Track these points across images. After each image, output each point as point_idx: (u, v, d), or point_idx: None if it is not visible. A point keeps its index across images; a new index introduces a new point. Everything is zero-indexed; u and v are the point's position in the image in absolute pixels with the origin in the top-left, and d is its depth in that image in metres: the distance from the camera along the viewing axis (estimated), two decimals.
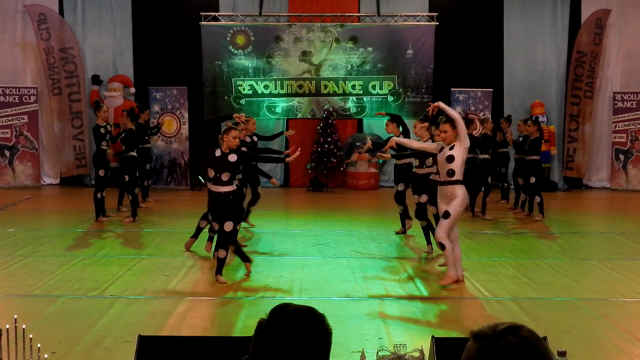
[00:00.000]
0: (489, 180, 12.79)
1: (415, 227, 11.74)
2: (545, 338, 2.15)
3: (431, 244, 9.65)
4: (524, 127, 13.02)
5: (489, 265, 9.09)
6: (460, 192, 7.76)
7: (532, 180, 12.33)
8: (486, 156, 12.82)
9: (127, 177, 11.92)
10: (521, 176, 13.19)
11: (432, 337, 4.12)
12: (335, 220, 11.43)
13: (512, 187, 13.91)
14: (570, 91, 16.90)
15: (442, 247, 7.84)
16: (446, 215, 7.75)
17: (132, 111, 12.28)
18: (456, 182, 7.78)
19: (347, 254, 9.75)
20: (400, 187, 10.57)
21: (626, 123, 16.82)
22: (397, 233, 11.04)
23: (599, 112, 17.10)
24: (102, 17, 17.00)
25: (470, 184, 13.32)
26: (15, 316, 4.62)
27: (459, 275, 7.93)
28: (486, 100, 16.76)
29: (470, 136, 13.27)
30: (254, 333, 1.94)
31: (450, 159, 7.76)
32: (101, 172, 11.85)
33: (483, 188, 12.78)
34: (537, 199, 12.36)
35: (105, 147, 11.96)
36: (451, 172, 7.78)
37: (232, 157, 8.05)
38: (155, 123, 15.87)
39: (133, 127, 12.06)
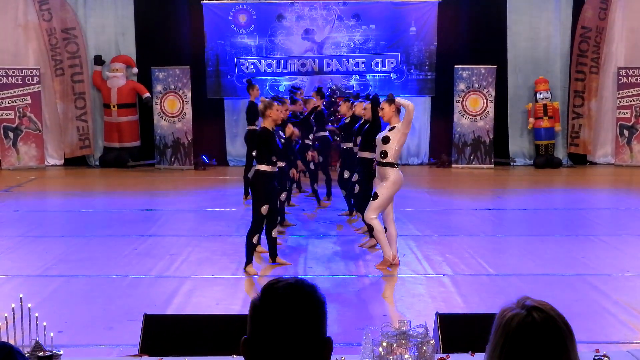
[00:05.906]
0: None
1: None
2: None
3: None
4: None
5: (493, 242, 9.10)
6: (392, 174, 7.63)
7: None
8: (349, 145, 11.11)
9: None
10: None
11: (436, 313, 4.15)
12: (338, 198, 11.43)
13: None
14: (574, 67, 16.79)
15: (369, 228, 7.72)
16: (374, 196, 7.70)
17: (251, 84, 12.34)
18: (389, 164, 7.65)
19: (351, 232, 9.76)
20: (346, 175, 10.25)
21: (631, 99, 16.72)
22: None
23: (604, 87, 17.00)
24: None
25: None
26: (21, 295, 4.64)
27: (394, 257, 7.74)
28: (490, 77, 16.67)
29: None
30: (249, 314, 1.95)
31: (386, 140, 7.63)
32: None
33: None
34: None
35: (256, 127, 11.50)
36: (384, 154, 7.66)
37: None
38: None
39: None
